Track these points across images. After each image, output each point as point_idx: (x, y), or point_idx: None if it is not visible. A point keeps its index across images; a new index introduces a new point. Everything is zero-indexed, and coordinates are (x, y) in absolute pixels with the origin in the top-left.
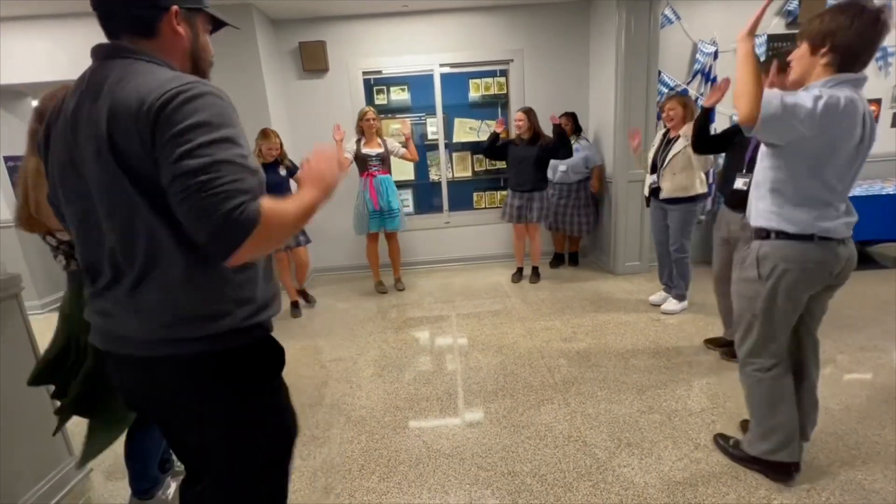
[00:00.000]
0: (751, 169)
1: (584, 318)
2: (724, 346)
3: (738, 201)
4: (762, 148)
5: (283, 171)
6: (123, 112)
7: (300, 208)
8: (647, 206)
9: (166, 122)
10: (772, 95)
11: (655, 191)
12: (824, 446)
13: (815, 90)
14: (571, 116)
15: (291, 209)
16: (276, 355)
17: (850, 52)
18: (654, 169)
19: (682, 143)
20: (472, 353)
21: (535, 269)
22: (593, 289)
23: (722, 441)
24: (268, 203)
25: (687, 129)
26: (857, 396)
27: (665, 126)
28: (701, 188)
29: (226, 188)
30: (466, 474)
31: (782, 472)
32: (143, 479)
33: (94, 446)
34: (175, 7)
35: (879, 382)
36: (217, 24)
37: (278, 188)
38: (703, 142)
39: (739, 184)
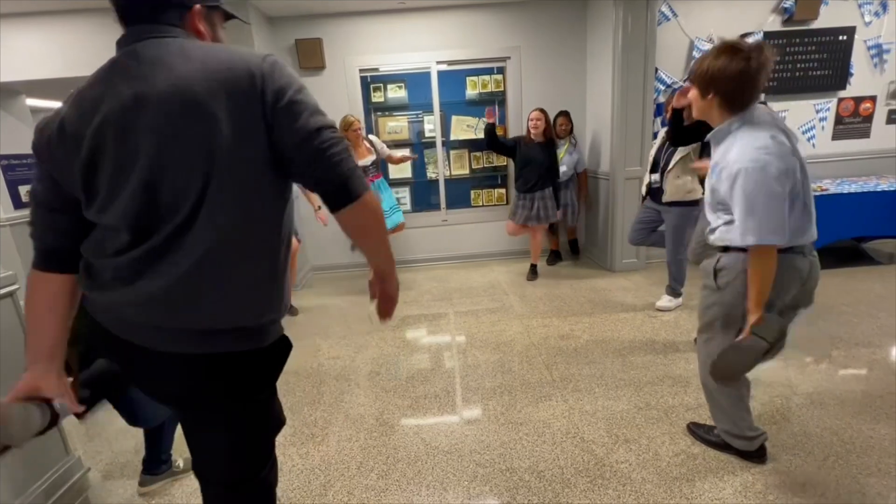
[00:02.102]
0: None
1: (581, 315)
2: None
3: None
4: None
5: None
6: (229, 84)
7: (385, 233)
8: (643, 202)
9: (280, 86)
10: (765, 235)
11: (655, 191)
12: (820, 441)
13: (739, 161)
14: (568, 115)
15: (382, 216)
16: (288, 350)
17: (733, 94)
18: (655, 168)
19: (688, 147)
20: (470, 350)
21: (533, 267)
22: (591, 286)
23: (695, 428)
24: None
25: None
26: (852, 392)
27: (668, 123)
28: (701, 193)
29: (343, 144)
30: (465, 471)
31: (759, 452)
32: (157, 460)
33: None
34: (198, 6)
35: (874, 377)
36: (227, 17)
37: None
38: (678, 135)
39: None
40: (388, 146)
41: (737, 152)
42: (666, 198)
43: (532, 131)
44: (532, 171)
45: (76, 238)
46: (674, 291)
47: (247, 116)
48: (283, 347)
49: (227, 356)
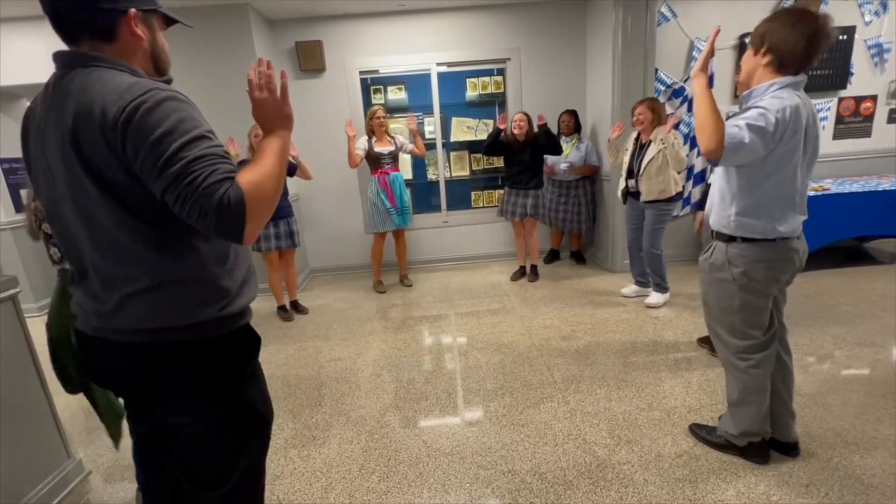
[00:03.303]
0: None
1: (582, 316)
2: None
3: None
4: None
5: None
6: (86, 119)
7: (272, 160)
8: (624, 203)
9: (136, 136)
10: (736, 129)
11: (634, 194)
12: (823, 441)
13: (761, 103)
14: (573, 114)
15: (267, 165)
16: (251, 343)
17: (787, 53)
18: (631, 174)
19: (655, 149)
20: (471, 352)
21: (533, 268)
22: (591, 287)
23: (697, 429)
24: (245, 177)
25: (657, 134)
26: (855, 392)
27: (635, 129)
28: (676, 189)
29: (207, 184)
30: (466, 473)
31: (762, 452)
32: None
33: (109, 421)
34: (133, 10)
35: (877, 377)
36: (169, 21)
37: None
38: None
39: None
40: None
41: (760, 102)
42: (644, 198)
43: (516, 132)
44: (520, 168)
45: None
46: (660, 287)
47: (94, 152)
48: (232, 342)
49: (169, 344)
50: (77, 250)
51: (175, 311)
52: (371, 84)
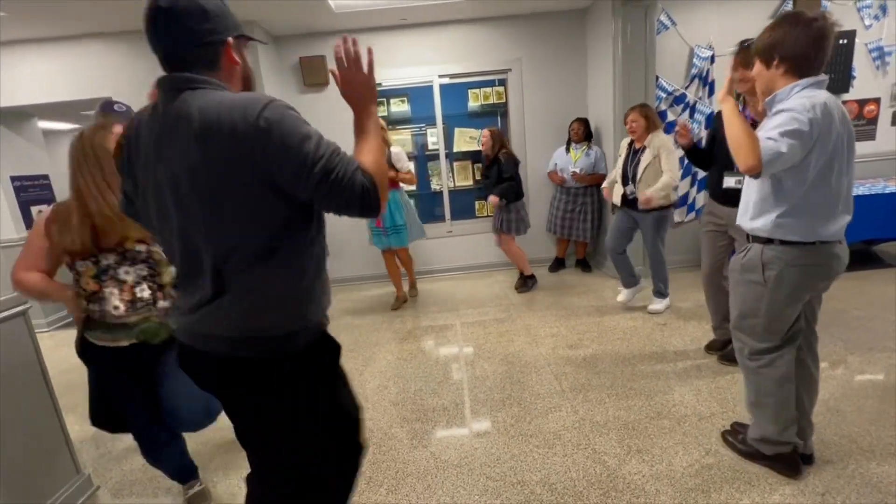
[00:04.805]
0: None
1: (588, 324)
2: (720, 350)
3: (730, 198)
4: None
5: None
6: (215, 136)
7: (374, 138)
8: (613, 213)
9: (273, 145)
10: (771, 141)
11: (630, 200)
12: (838, 449)
13: (787, 105)
14: (583, 122)
15: (373, 144)
16: (335, 349)
17: (799, 57)
18: (626, 180)
19: (650, 155)
20: (477, 361)
21: (523, 280)
22: (598, 294)
23: (731, 437)
24: (365, 161)
25: (651, 139)
26: (869, 397)
27: (629, 136)
28: (674, 195)
29: (346, 175)
30: (475, 485)
31: (791, 464)
32: (184, 470)
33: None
34: (230, 39)
35: (891, 383)
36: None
37: None
38: (703, 164)
39: (732, 182)
40: None
41: (787, 104)
42: (641, 206)
43: (482, 149)
44: (492, 186)
45: None
46: (660, 293)
47: (231, 164)
48: (331, 341)
49: (254, 360)
50: (205, 261)
51: (308, 307)
52: None
